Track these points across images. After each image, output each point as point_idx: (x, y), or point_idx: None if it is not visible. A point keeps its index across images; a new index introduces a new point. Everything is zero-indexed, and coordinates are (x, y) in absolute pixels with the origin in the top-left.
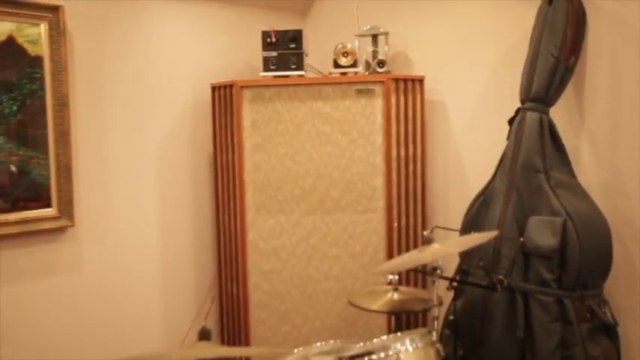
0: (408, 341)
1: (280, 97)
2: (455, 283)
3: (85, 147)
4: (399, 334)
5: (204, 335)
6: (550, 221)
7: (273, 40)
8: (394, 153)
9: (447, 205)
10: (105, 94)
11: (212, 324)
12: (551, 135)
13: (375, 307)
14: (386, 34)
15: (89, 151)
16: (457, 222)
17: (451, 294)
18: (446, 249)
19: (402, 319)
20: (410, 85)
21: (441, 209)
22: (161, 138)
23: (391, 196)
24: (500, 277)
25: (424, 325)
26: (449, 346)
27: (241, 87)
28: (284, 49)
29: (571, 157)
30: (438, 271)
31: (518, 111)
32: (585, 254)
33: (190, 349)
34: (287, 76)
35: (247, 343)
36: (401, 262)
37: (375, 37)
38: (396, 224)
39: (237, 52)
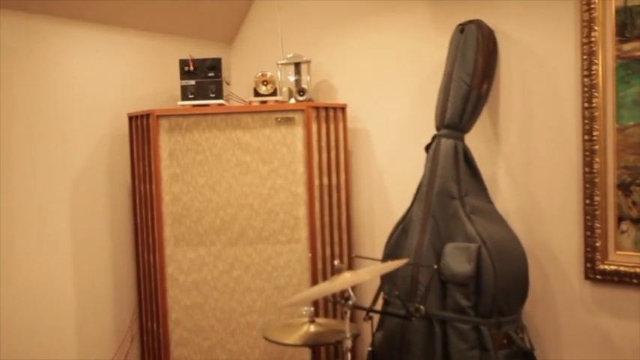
0: None
1: (198, 126)
2: (371, 314)
3: None
4: None
5: None
6: (465, 248)
7: (191, 68)
8: (317, 182)
9: (372, 234)
10: (13, 124)
11: None
12: (466, 161)
13: (290, 340)
14: (308, 62)
15: None
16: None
17: (375, 325)
18: (357, 278)
19: (329, 352)
20: (332, 113)
21: (367, 238)
22: (76, 170)
23: (314, 225)
24: (417, 305)
25: None
26: None
27: (158, 116)
28: (203, 78)
29: (489, 183)
30: (350, 302)
31: (434, 138)
32: (500, 280)
33: None
34: (206, 105)
35: None
36: (311, 293)
37: (297, 65)
38: (309, 255)
39: (158, 81)
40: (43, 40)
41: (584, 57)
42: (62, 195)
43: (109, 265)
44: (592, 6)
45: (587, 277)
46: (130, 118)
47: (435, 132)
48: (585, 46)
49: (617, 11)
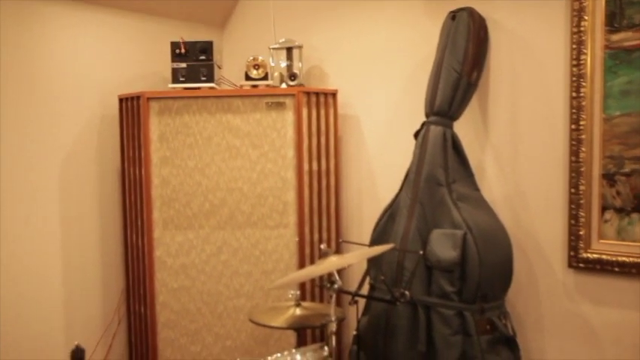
0: (298, 356)
1: (189, 109)
2: (357, 299)
3: None
4: (293, 350)
5: (76, 356)
6: (451, 234)
7: (183, 51)
8: (306, 167)
9: (360, 220)
10: (1, 104)
11: (121, 346)
12: (454, 148)
13: (275, 323)
14: (300, 47)
15: None
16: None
17: (361, 309)
18: (342, 262)
19: (315, 335)
20: (322, 99)
21: (355, 224)
22: (65, 151)
23: (303, 210)
24: (402, 290)
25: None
26: None
27: (148, 98)
28: (194, 61)
29: (477, 170)
30: (335, 286)
31: (423, 125)
32: (485, 267)
33: None
34: (197, 88)
35: None
36: (297, 275)
37: (289, 50)
38: (297, 239)
39: (150, 63)
40: (33, 20)
41: (574, 46)
42: (51, 176)
43: (97, 248)
44: None
45: (570, 266)
46: (121, 100)
47: (424, 119)
48: (575, 36)
49: (607, 1)
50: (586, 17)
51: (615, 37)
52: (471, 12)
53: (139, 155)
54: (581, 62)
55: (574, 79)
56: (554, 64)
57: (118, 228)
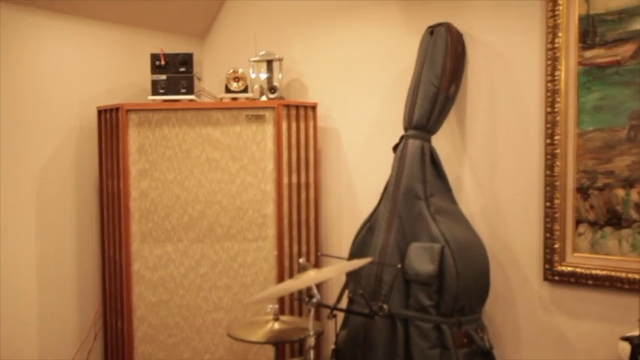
0: None
1: (168, 121)
2: (335, 312)
3: None
4: None
5: None
6: (429, 247)
7: (162, 63)
8: (285, 180)
9: (340, 232)
10: None
11: None
12: (432, 162)
13: (254, 337)
14: (280, 60)
15: None
16: None
17: (339, 323)
18: (321, 276)
19: (294, 349)
20: (302, 112)
21: (334, 237)
22: (43, 163)
23: (282, 223)
24: (380, 304)
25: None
26: None
27: (127, 110)
28: (174, 73)
29: (455, 184)
30: (314, 300)
31: (402, 138)
32: (462, 280)
33: None
34: (177, 100)
35: None
36: (275, 290)
37: (269, 63)
38: (275, 253)
39: (129, 75)
40: (12, 31)
41: (549, 62)
42: (28, 187)
43: (74, 261)
44: (557, 13)
45: (545, 279)
46: (99, 112)
47: (403, 132)
48: (549, 52)
49: (580, 19)
50: (560, 34)
51: (588, 53)
52: (448, 27)
53: (117, 167)
54: (556, 78)
55: (549, 94)
56: (529, 80)
57: (96, 241)
